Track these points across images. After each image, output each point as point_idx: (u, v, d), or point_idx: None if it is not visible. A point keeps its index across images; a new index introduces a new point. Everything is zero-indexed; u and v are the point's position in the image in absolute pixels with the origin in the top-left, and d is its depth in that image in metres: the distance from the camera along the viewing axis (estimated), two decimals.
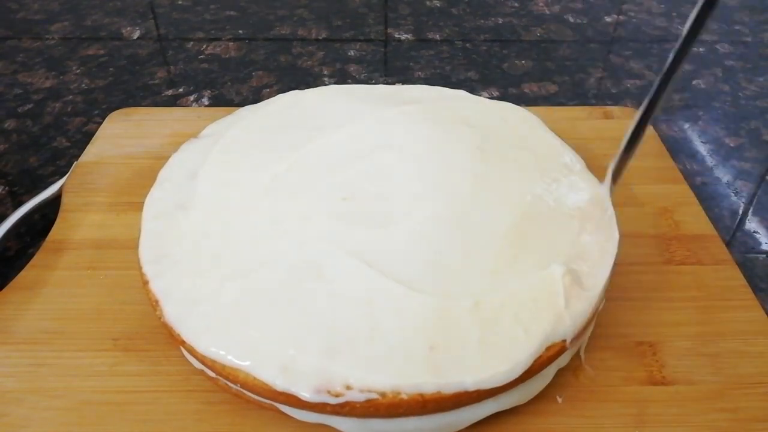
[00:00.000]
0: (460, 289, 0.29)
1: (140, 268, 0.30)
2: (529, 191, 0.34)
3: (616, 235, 0.32)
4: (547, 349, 0.27)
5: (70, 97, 0.54)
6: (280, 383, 0.26)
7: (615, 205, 0.34)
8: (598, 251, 0.31)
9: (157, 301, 0.29)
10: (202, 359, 0.27)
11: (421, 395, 0.25)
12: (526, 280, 0.29)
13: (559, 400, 0.30)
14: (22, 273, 0.35)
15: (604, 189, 0.32)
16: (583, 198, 0.33)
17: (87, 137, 0.47)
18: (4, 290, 0.35)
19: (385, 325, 0.27)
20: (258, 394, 0.27)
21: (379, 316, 0.27)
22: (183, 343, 0.28)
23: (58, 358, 0.31)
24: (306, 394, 0.25)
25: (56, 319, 0.33)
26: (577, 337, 0.28)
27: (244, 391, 0.27)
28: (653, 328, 0.33)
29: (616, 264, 0.31)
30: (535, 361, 0.27)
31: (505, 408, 0.28)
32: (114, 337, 0.32)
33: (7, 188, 0.44)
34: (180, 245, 0.31)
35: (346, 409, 0.25)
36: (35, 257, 0.36)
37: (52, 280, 0.35)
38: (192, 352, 0.28)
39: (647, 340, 0.33)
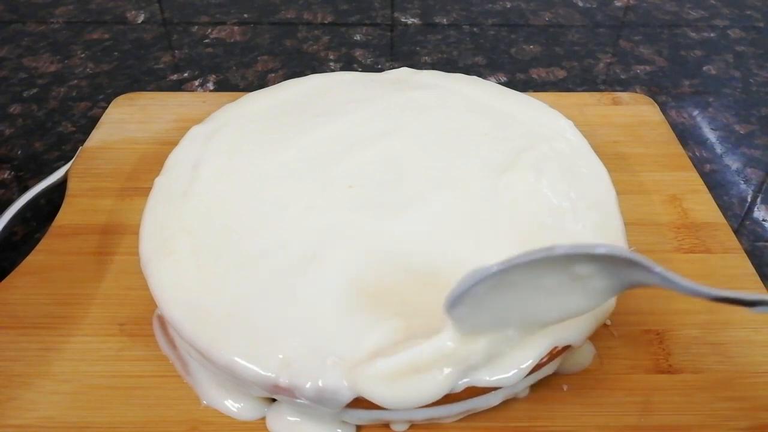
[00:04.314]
0: None
1: (139, 260, 0.30)
2: (543, 182, 0.33)
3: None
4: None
5: (75, 81, 0.53)
6: (282, 378, 0.25)
7: (622, 192, 0.34)
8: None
9: (156, 296, 0.29)
10: (205, 355, 0.27)
11: None
12: None
13: (565, 388, 0.30)
14: (29, 258, 0.35)
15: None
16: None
17: (92, 122, 0.47)
18: (11, 275, 0.35)
19: (390, 318, 0.27)
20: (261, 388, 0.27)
21: (384, 307, 0.27)
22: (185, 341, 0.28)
23: (65, 342, 0.31)
24: (309, 390, 0.25)
25: (63, 304, 0.33)
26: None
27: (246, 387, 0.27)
28: (660, 316, 0.33)
29: None
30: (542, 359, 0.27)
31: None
32: (120, 322, 0.32)
33: (12, 173, 0.44)
34: (180, 236, 0.31)
35: (354, 403, 0.25)
36: (41, 242, 0.36)
37: (58, 265, 0.35)
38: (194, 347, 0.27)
39: (654, 329, 0.32)
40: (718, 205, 0.39)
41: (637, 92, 0.52)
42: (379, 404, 0.25)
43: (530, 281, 0.23)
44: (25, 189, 0.41)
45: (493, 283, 0.23)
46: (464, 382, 0.25)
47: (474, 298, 0.23)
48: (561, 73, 0.55)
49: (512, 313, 0.25)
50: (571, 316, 0.25)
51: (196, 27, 0.61)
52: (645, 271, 0.23)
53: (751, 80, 0.55)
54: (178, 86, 0.53)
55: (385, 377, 0.25)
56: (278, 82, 0.42)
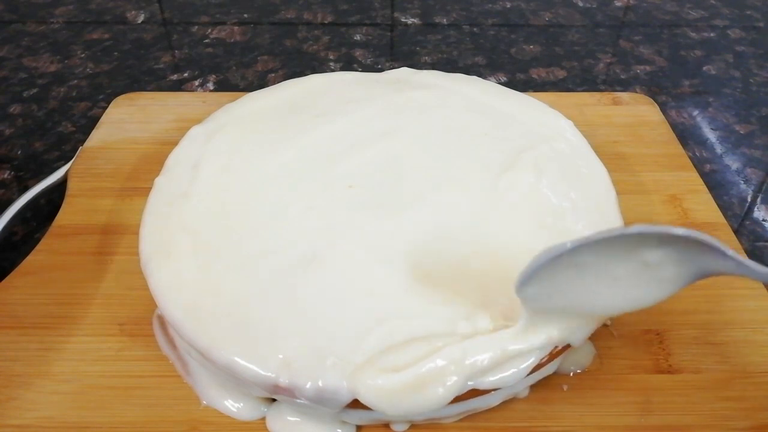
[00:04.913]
0: (468, 283, 0.28)
1: (139, 260, 0.30)
2: (543, 182, 0.33)
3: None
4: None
5: (75, 81, 0.53)
6: (282, 378, 0.25)
7: (622, 192, 0.34)
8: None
9: (156, 296, 0.29)
10: (205, 355, 0.27)
11: None
12: None
13: (565, 388, 0.30)
14: (29, 258, 0.35)
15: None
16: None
17: (92, 122, 0.47)
18: (11, 275, 0.35)
19: (391, 318, 0.27)
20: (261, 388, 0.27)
21: (385, 308, 0.27)
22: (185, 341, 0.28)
23: (64, 342, 0.31)
24: (309, 390, 0.25)
25: (63, 304, 0.33)
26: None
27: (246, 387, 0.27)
28: (660, 316, 0.33)
29: None
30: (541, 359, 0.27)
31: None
32: (120, 322, 0.32)
33: (12, 173, 0.44)
34: (180, 236, 0.31)
35: (354, 403, 0.25)
36: (41, 242, 0.36)
37: (58, 265, 0.35)
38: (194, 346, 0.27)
39: (654, 329, 0.32)
40: (718, 205, 0.39)
41: (637, 92, 0.52)
42: (381, 413, 0.25)
43: (601, 265, 0.23)
44: (25, 189, 0.41)
45: (566, 263, 0.22)
46: (468, 385, 0.25)
47: (546, 277, 0.23)
48: (561, 73, 0.55)
49: (581, 298, 0.24)
50: (638, 306, 0.25)
51: (196, 27, 0.61)
52: (718, 257, 0.22)
53: (751, 80, 0.55)
54: (178, 86, 0.53)
55: (388, 389, 0.25)
56: (278, 82, 0.42)
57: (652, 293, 0.24)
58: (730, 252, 0.22)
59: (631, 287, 0.24)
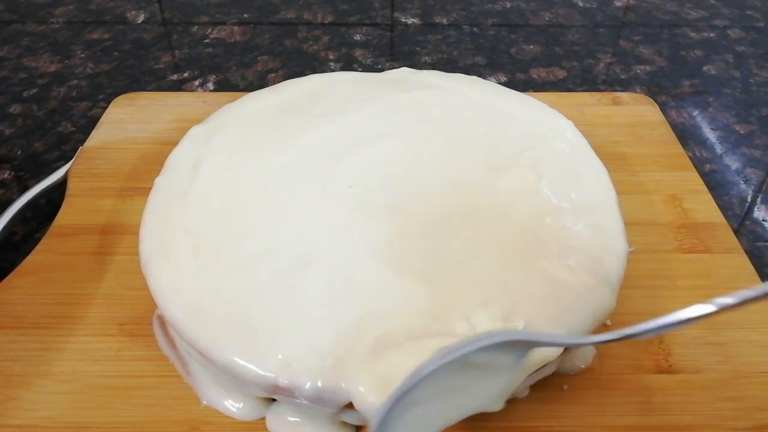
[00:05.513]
0: (468, 284, 0.28)
1: (139, 260, 0.30)
2: (543, 182, 0.33)
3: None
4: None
5: (75, 81, 0.53)
6: (281, 378, 0.25)
7: (622, 193, 0.34)
8: (614, 249, 0.30)
9: (156, 296, 0.29)
10: (204, 355, 0.27)
11: None
12: (539, 279, 0.29)
13: (566, 388, 0.30)
14: (29, 258, 0.35)
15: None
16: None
17: (92, 122, 0.47)
18: (11, 275, 0.35)
19: (390, 318, 0.27)
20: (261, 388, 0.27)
21: (384, 309, 0.27)
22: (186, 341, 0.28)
23: (64, 342, 0.31)
24: (308, 390, 0.25)
25: (63, 304, 0.33)
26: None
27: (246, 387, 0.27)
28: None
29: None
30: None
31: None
32: (120, 322, 0.32)
33: (12, 173, 0.44)
34: (181, 236, 0.31)
35: (351, 404, 0.25)
36: (41, 242, 0.36)
37: (58, 265, 0.35)
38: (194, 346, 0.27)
39: None
40: (718, 205, 0.39)
41: (637, 92, 0.52)
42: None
43: (440, 389, 0.23)
44: (25, 189, 0.41)
45: (404, 407, 0.22)
46: None
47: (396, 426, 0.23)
48: (561, 73, 0.55)
49: (439, 420, 0.24)
50: (497, 395, 0.25)
51: (196, 27, 0.61)
52: (526, 341, 0.23)
53: (751, 80, 0.55)
54: (178, 86, 0.53)
55: (387, 389, 0.24)
56: (278, 82, 0.42)
57: (502, 381, 0.24)
58: (547, 338, 0.23)
59: (481, 386, 0.24)
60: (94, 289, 0.34)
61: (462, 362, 0.22)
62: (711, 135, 0.49)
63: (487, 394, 0.25)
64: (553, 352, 0.26)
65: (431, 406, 0.23)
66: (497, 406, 0.25)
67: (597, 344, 0.22)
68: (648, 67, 0.56)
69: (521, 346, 0.23)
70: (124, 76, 0.54)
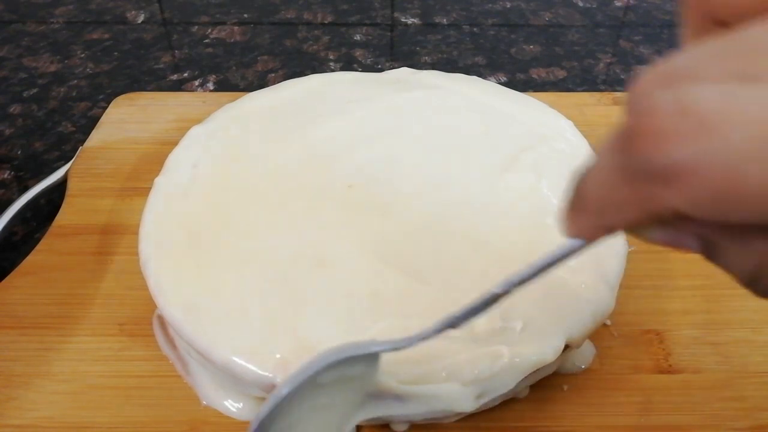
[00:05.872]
0: (468, 283, 0.28)
1: (139, 260, 0.30)
2: (543, 182, 0.33)
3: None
4: None
5: (75, 81, 0.53)
6: (279, 377, 0.25)
7: None
8: (614, 249, 0.30)
9: (155, 296, 0.29)
10: (203, 355, 0.27)
11: None
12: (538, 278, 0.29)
13: (565, 388, 0.30)
14: (29, 258, 0.35)
15: None
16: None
17: (92, 122, 0.47)
18: (11, 275, 0.35)
19: (388, 318, 0.27)
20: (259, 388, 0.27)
21: (383, 308, 0.27)
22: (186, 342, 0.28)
23: (64, 342, 0.31)
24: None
25: (62, 304, 0.33)
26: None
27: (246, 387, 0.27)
28: (660, 316, 0.33)
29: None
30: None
31: None
32: (120, 322, 0.32)
33: (12, 173, 0.44)
34: (180, 236, 0.31)
35: None
36: (41, 242, 0.36)
37: (58, 265, 0.35)
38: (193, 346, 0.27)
39: (654, 329, 0.32)
40: None
41: None
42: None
43: (310, 409, 0.23)
44: (25, 189, 0.41)
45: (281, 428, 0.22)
46: None
47: None
48: (561, 73, 0.55)
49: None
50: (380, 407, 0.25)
51: (196, 27, 0.61)
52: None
53: None
54: (178, 86, 0.53)
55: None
56: (278, 82, 0.42)
57: (363, 388, 0.24)
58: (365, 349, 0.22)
59: (355, 398, 0.24)
60: (94, 289, 0.34)
61: (311, 385, 0.22)
62: None
63: (355, 401, 0.24)
64: (549, 356, 0.26)
65: (309, 425, 0.23)
66: (468, 407, 0.25)
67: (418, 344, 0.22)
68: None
69: (356, 360, 0.23)
70: (124, 76, 0.54)
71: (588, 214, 0.15)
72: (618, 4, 0.66)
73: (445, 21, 0.63)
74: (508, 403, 0.29)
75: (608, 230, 0.16)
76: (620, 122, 0.14)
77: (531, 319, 0.27)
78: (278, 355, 0.26)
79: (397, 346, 0.22)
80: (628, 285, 0.34)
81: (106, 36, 0.60)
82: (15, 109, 0.50)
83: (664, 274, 0.35)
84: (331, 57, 0.57)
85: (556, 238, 0.31)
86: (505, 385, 0.26)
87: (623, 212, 0.14)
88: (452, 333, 0.21)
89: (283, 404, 0.22)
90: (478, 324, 0.27)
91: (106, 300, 0.33)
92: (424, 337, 0.22)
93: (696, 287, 0.34)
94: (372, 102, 0.38)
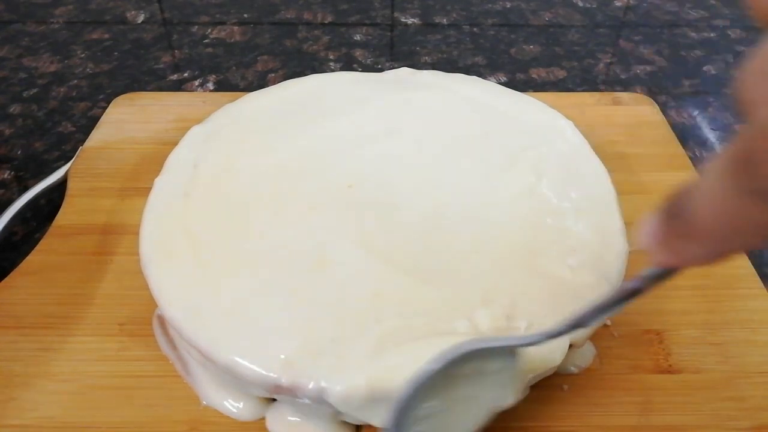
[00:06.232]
0: (468, 283, 0.28)
1: (140, 260, 0.30)
2: (543, 182, 0.33)
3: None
4: None
5: (75, 81, 0.53)
6: (284, 378, 0.25)
7: (622, 193, 0.34)
8: (614, 249, 0.30)
9: (156, 296, 0.29)
10: (205, 355, 0.27)
11: None
12: (539, 278, 0.29)
13: (565, 388, 0.30)
14: (29, 258, 0.35)
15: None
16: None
17: (92, 122, 0.47)
18: (11, 275, 0.35)
19: (391, 318, 0.27)
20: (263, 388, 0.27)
21: (386, 308, 0.27)
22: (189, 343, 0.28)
23: (64, 342, 0.31)
24: (311, 390, 0.25)
25: (62, 304, 0.33)
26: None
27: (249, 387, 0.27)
28: (660, 316, 0.33)
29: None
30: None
31: None
32: (120, 322, 0.32)
33: (12, 173, 0.44)
34: (181, 236, 0.31)
35: None
36: (41, 242, 0.36)
37: (58, 265, 0.35)
38: (194, 347, 0.27)
39: (654, 329, 0.32)
40: None
41: (637, 92, 0.52)
42: None
43: (450, 399, 0.24)
44: (25, 189, 0.41)
45: (414, 421, 0.23)
46: None
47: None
48: (561, 73, 0.55)
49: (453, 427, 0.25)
50: (504, 392, 0.25)
51: (196, 27, 0.61)
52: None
53: None
54: (178, 86, 0.53)
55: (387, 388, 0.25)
56: (278, 82, 0.42)
57: (506, 390, 0.25)
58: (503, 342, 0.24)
59: (487, 394, 0.25)
60: (94, 289, 0.34)
61: (449, 376, 0.23)
62: (711, 135, 0.49)
63: (494, 394, 0.25)
64: (555, 358, 0.26)
65: (444, 418, 0.24)
66: (509, 400, 0.25)
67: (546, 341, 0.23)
68: (648, 67, 0.56)
69: (485, 353, 0.24)
70: (124, 76, 0.54)
71: (700, 240, 0.15)
72: (618, 4, 0.66)
73: (445, 21, 0.63)
74: None
75: (724, 255, 0.15)
76: (732, 144, 0.14)
77: (535, 319, 0.27)
78: (282, 356, 0.26)
79: (530, 341, 0.23)
80: None
81: (106, 36, 0.60)
82: (15, 109, 0.50)
83: None
84: (331, 57, 0.57)
85: (556, 238, 0.31)
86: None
87: (747, 236, 0.14)
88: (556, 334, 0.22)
89: (421, 389, 0.22)
90: (483, 323, 0.27)
91: (106, 300, 0.33)
92: (551, 335, 0.23)
93: (696, 287, 0.34)
94: (372, 102, 0.38)
